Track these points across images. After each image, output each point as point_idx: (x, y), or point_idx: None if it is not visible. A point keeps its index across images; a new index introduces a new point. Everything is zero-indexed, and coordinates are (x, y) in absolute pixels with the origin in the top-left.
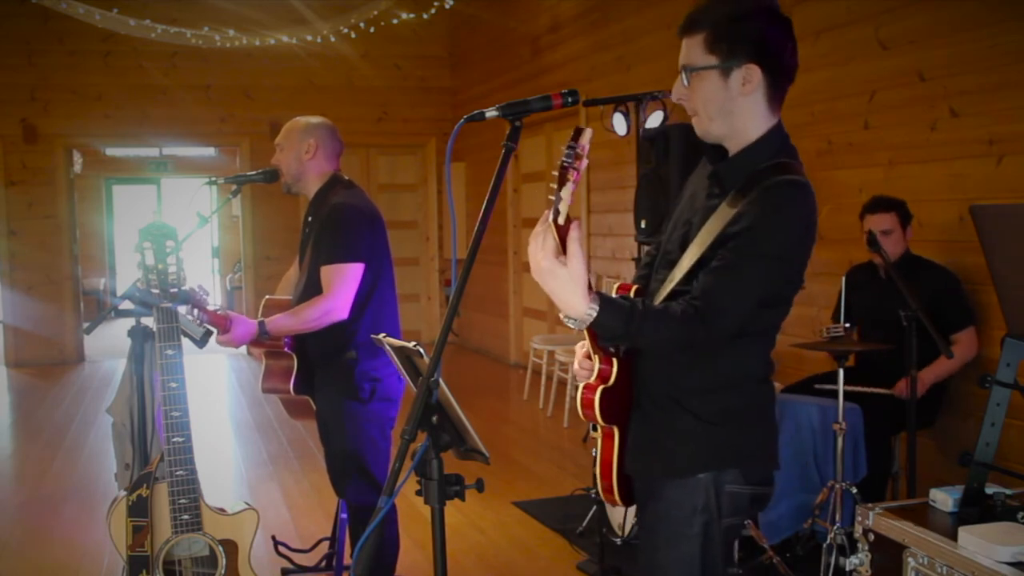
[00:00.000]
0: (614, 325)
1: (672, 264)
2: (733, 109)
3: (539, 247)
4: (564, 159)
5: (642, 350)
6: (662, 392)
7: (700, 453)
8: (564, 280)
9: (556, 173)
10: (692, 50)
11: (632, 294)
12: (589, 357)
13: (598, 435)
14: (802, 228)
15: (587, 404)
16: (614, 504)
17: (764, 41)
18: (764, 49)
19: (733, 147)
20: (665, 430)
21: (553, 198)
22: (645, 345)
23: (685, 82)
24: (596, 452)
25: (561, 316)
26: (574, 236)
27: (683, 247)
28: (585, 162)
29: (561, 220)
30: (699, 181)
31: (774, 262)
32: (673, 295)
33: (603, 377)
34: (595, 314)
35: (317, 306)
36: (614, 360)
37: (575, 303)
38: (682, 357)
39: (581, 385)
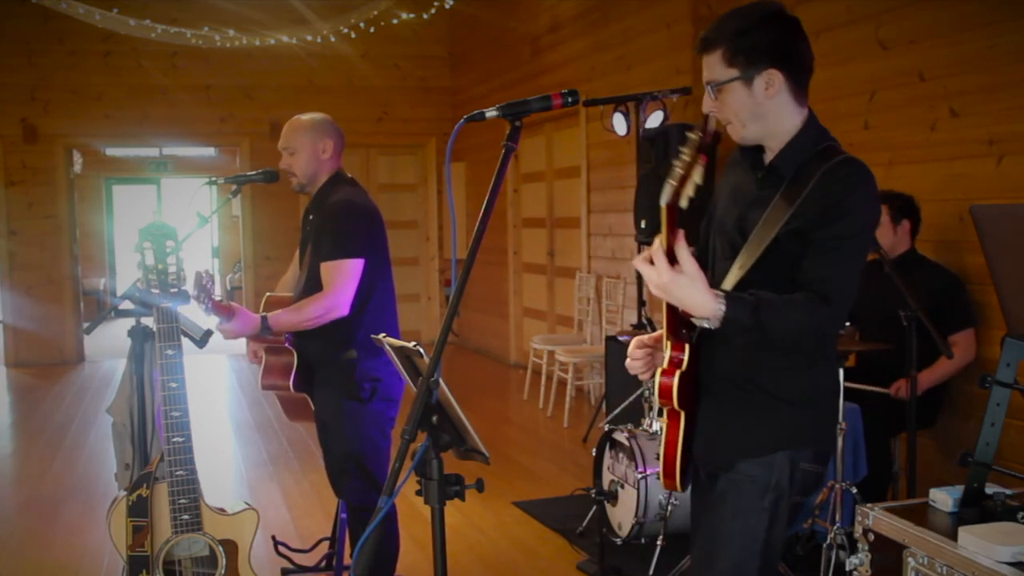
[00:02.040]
0: (743, 318)
1: (735, 253)
2: (764, 113)
3: (654, 269)
4: (700, 142)
5: (720, 337)
6: (738, 374)
7: (779, 431)
8: (687, 286)
9: (686, 157)
10: (713, 67)
11: None
12: (641, 347)
13: (663, 420)
14: (877, 200)
15: (665, 389)
16: (675, 489)
17: (777, 45)
18: (779, 53)
19: (773, 143)
20: (743, 410)
21: (674, 182)
22: (775, 335)
23: (712, 97)
24: (661, 436)
25: (694, 320)
26: (682, 244)
27: (744, 237)
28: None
29: (683, 203)
30: (738, 179)
31: (863, 237)
32: (744, 281)
33: (677, 363)
34: (723, 308)
35: (318, 303)
36: (686, 346)
37: (705, 303)
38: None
39: (659, 371)
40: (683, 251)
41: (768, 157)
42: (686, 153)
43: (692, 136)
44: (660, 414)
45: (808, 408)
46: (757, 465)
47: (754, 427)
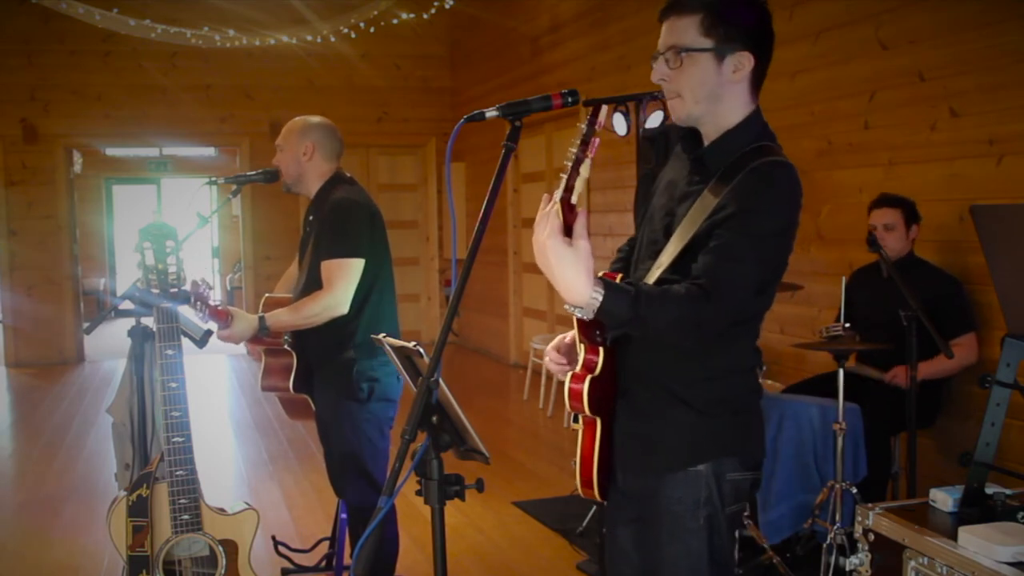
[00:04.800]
0: (620, 310)
1: (657, 252)
2: (722, 94)
3: (544, 226)
4: (584, 134)
5: (637, 338)
6: (657, 382)
7: (698, 444)
8: (569, 261)
9: (574, 149)
10: (684, 31)
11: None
12: (559, 351)
13: (579, 426)
14: (792, 207)
15: (575, 395)
16: (593, 498)
17: (759, 29)
18: (758, 37)
19: (710, 131)
20: (660, 422)
21: (565, 176)
22: (654, 330)
23: (669, 63)
24: (577, 447)
25: (565, 306)
26: (582, 220)
27: (668, 235)
28: (598, 140)
29: (574, 199)
30: (676, 171)
31: (769, 239)
32: (660, 283)
33: (589, 367)
34: (600, 298)
35: (317, 301)
36: (600, 350)
37: (580, 287)
38: (678, 347)
39: (568, 376)
40: (581, 228)
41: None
42: (574, 146)
43: (581, 126)
44: (576, 420)
45: (726, 417)
46: (681, 484)
47: (673, 440)
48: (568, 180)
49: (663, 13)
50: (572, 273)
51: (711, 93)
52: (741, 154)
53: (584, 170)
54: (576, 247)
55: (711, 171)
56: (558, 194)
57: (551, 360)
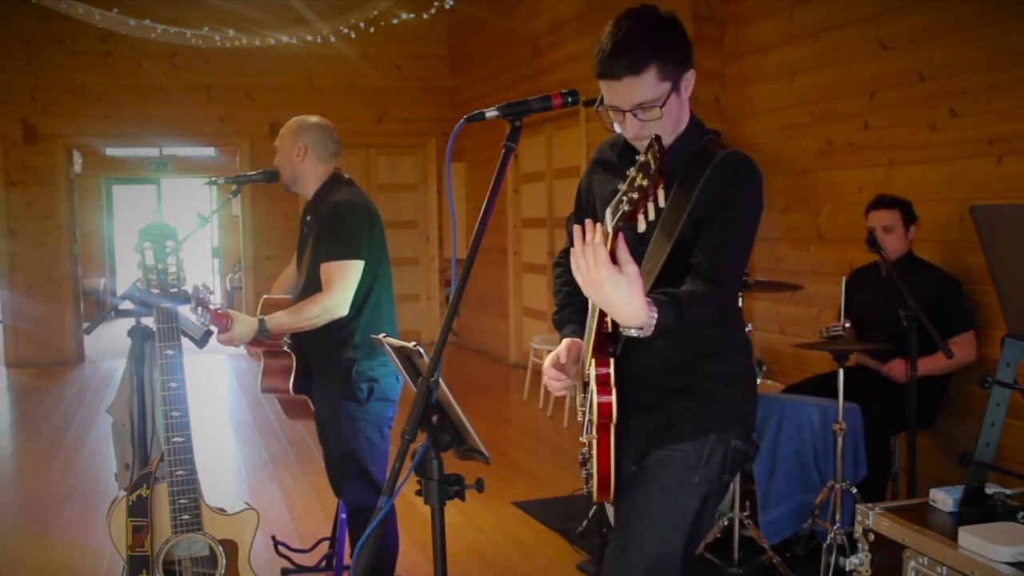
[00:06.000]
0: (669, 322)
1: (638, 258)
2: (682, 114)
3: (592, 260)
4: (657, 167)
5: (638, 344)
6: (667, 371)
7: (712, 415)
8: (624, 288)
9: (644, 182)
10: (645, 86)
11: None
12: (557, 368)
13: (593, 435)
14: (762, 190)
15: (605, 407)
16: (608, 500)
17: (688, 43)
18: (690, 49)
19: (667, 142)
20: (675, 404)
21: (623, 207)
22: (691, 329)
23: (639, 116)
24: (592, 454)
25: (622, 329)
26: (623, 245)
27: (643, 242)
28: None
29: (641, 228)
30: (619, 180)
31: (753, 223)
32: (657, 284)
33: (606, 379)
34: (656, 317)
35: (317, 303)
36: (611, 360)
37: (639, 311)
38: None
39: (593, 392)
40: (625, 254)
41: None
42: (639, 177)
43: (646, 159)
44: (586, 431)
45: (737, 389)
46: (691, 443)
47: (689, 416)
48: (633, 211)
49: (614, 73)
50: (630, 300)
51: (678, 119)
52: (694, 152)
53: (661, 199)
54: (627, 273)
55: (672, 174)
56: (610, 224)
57: (552, 378)
